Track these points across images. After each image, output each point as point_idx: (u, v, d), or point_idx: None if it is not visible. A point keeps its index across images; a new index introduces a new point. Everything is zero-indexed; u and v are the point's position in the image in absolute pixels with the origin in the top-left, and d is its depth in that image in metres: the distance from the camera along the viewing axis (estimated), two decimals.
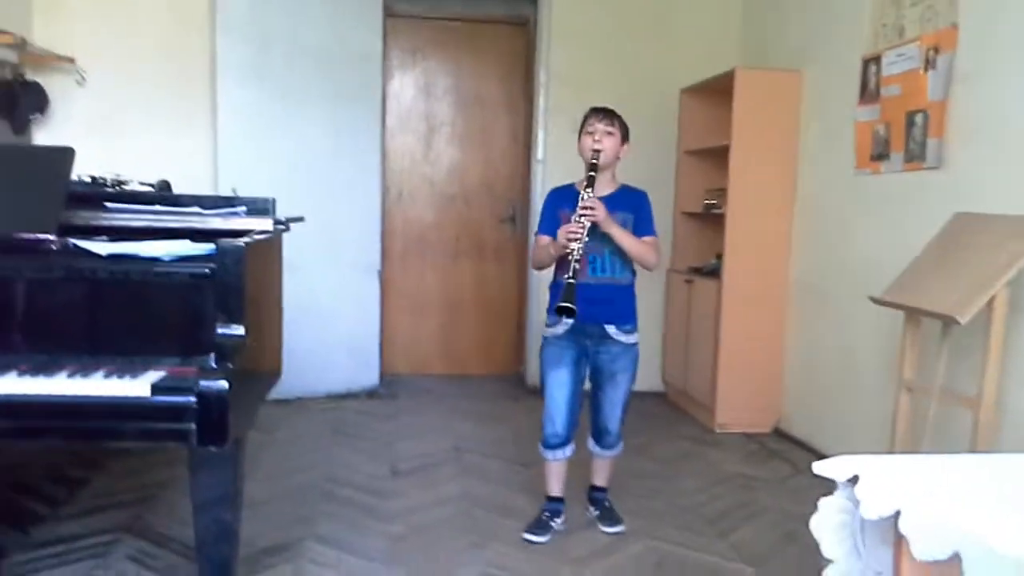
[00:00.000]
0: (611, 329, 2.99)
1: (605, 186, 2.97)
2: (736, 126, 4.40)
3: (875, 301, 3.02)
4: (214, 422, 2.00)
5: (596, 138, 2.93)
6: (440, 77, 5.65)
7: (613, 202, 2.93)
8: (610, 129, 2.96)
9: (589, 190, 2.85)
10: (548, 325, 3.06)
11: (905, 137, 3.51)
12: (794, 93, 4.46)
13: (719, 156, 4.63)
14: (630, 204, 3.01)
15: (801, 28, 4.54)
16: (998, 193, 2.96)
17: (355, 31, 4.87)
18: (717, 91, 4.70)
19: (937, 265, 2.88)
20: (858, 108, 3.88)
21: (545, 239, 3.03)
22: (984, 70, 3.10)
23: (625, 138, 3.02)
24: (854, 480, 1.48)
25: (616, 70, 5.18)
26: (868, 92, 3.81)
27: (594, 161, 2.90)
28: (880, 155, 3.70)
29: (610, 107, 3.04)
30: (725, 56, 5.13)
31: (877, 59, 3.74)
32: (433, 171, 5.69)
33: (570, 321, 2.91)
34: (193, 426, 1.99)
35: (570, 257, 2.77)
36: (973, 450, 2.61)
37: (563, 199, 3.04)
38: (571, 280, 2.74)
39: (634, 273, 3.06)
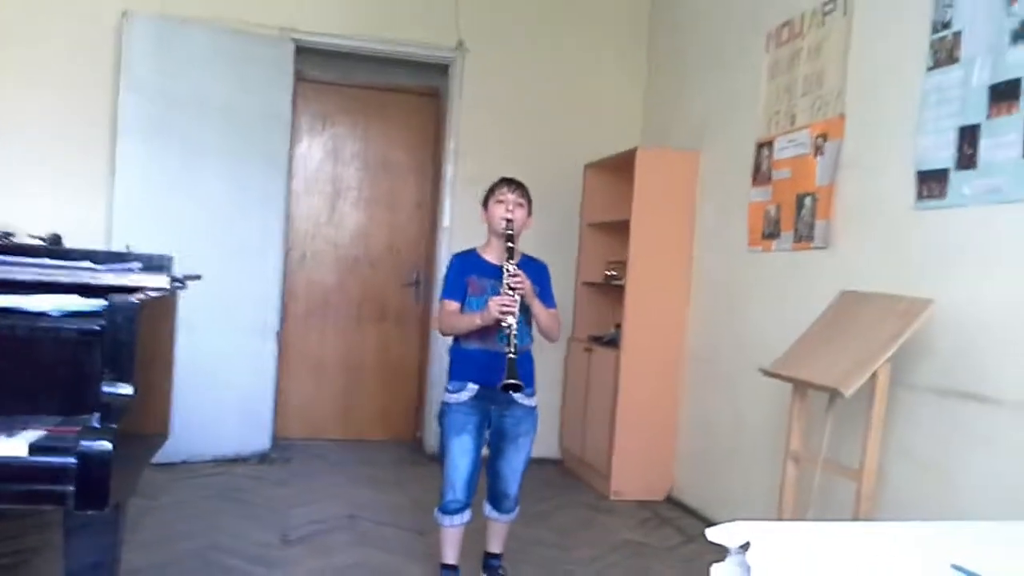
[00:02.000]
0: (516, 394, 3.00)
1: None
2: (636, 202, 4.54)
3: (765, 373, 3.12)
4: (94, 484, 1.90)
5: (509, 208, 2.98)
6: (348, 142, 5.67)
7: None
8: (521, 201, 3.02)
9: (512, 262, 2.89)
10: (451, 391, 3.04)
11: (795, 218, 3.69)
12: (692, 172, 4.64)
13: (620, 229, 4.76)
14: (534, 275, 3.03)
15: (700, 111, 4.75)
16: (880, 273, 3.12)
17: (265, 93, 4.86)
18: (619, 167, 4.86)
19: (824, 340, 3.00)
20: (752, 189, 4.06)
21: (454, 305, 3.03)
22: (867, 157, 3.30)
23: (530, 211, 3.08)
24: (746, 546, 1.51)
25: (523, 143, 5.30)
26: (761, 174, 4.00)
27: (509, 232, 2.94)
28: (771, 234, 3.87)
29: (518, 179, 3.09)
30: (628, 133, 5.32)
31: (770, 144, 3.94)
32: (338, 234, 5.67)
33: (475, 387, 2.96)
34: (71, 488, 1.89)
35: (508, 332, 2.79)
36: (855, 518, 2.69)
37: (469, 265, 3.07)
38: (512, 355, 2.76)
39: (532, 339, 3.09)
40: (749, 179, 4.09)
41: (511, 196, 3.01)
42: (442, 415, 3.08)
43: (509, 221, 2.96)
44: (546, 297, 3.07)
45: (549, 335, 3.08)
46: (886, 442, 2.86)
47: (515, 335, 2.79)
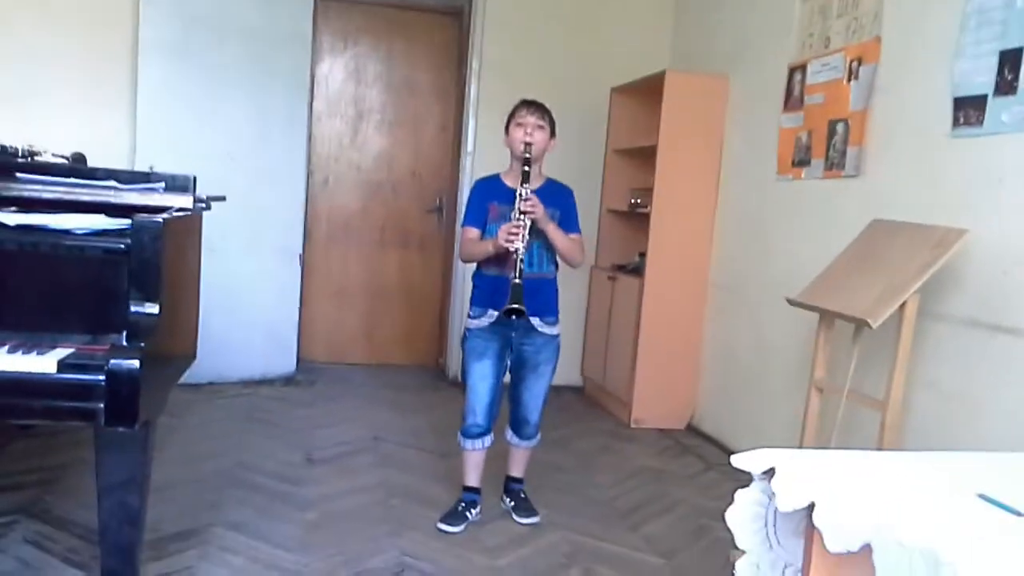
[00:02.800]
0: (536, 321, 3.00)
1: (533, 180, 2.93)
2: (664, 127, 4.46)
3: (791, 302, 3.09)
4: (123, 402, 1.92)
5: (528, 131, 2.93)
6: (370, 63, 5.58)
7: (540, 197, 2.91)
8: (541, 123, 2.96)
9: (526, 186, 2.84)
10: (472, 317, 3.06)
11: (826, 145, 3.61)
12: (721, 98, 4.54)
13: (646, 156, 4.69)
14: (557, 200, 3.01)
15: (730, 34, 4.62)
16: (912, 202, 3.06)
17: (285, 12, 4.77)
18: (646, 92, 4.76)
19: (852, 270, 2.96)
20: (782, 115, 3.97)
21: (474, 232, 3.02)
22: (903, 82, 3.20)
23: (553, 132, 3.02)
24: (770, 473, 1.51)
25: (548, 65, 5.19)
26: (792, 99, 3.90)
27: (527, 156, 2.90)
28: (801, 161, 3.80)
29: (539, 100, 3.03)
30: (656, 57, 5.20)
31: (803, 68, 3.83)
32: (360, 157, 5.62)
33: (495, 313, 2.95)
34: (101, 405, 1.92)
35: (515, 257, 2.78)
36: (879, 448, 2.69)
37: (491, 191, 3.03)
38: (518, 281, 2.76)
39: (557, 266, 3.08)
40: (780, 104, 3.99)
41: (531, 119, 2.95)
42: (464, 340, 3.11)
43: (528, 145, 2.91)
44: (569, 222, 3.04)
45: (569, 260, 3.05)
46: (912, 373, 2.84)
47: (522, 260, 2.78)
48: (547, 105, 3.04)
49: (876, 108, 3.33)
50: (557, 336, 3.10)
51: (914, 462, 1.62)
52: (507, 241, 2.79)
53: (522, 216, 2.81)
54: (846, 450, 1.70)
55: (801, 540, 1.53)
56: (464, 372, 3.12)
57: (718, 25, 4.78)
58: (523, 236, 2.79)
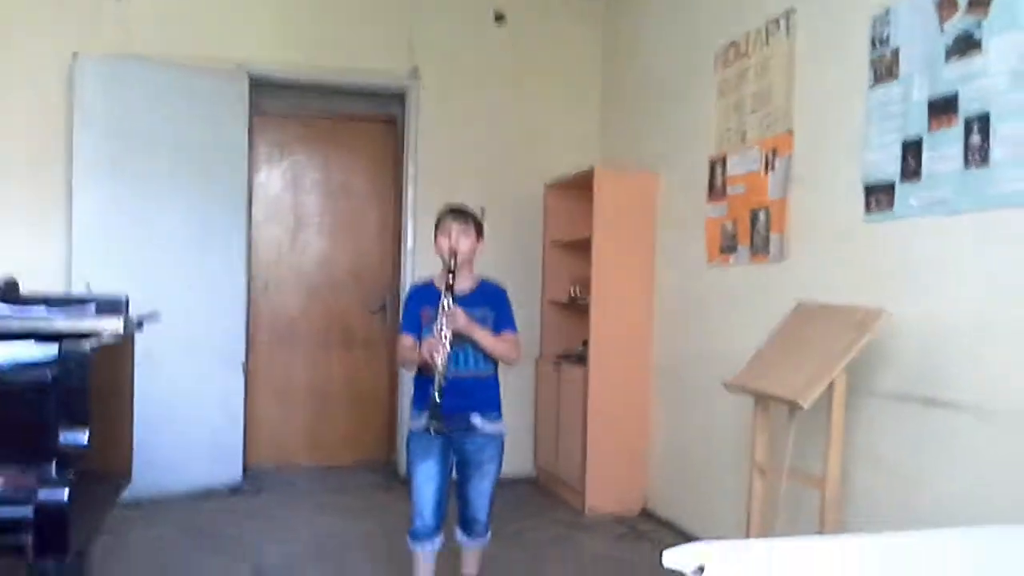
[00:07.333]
0: (476, 419, 3.02)
1: (464, 281, 3.00)
2: (597, 221, 4.58)
3: (726, 386, 3.16)
4: (52, 534, 1.90)
5: (453, 239, 2.98)
6: (308, 170, 5.66)
7: (473, 299, 2.98)
8: (466, 230, 3.02)
9: (449, 297, 2.88)
10: (413, 418, 3.06)
11: (750, 232, 3.74)
12: (650, 190, 4.68)
13: (584, 247, 4.79)
14: (490, 300, 3.06)
15: (654, 130, 4.80)
16: (834, 284, 3.18)
17: (220, 126, 4.84)
18: (579, 186, 4.89)
19: (782, 352, 3.05)
20: (707, 205, 4.11)
21: (409, 339, 3.03)
22: (817, 171, 3.36)
23: (480, 235, 3.08)
24: (701, 570, 1.53)
25: (483, 164, 5.32)
26: (716, 190, 4.05)
27: (452, 266, 2.93)
28: (729, 248, 3.93)
29: (463, 207, 3.10)
30: (587, 151, 5.37)
31: (723, 160, 3.99)
32: (301, 261, 5.65)
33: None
34: (30, 539, 1.88)
35: (435, 373, 2.81)
36: (822, 527, 2.73)
37: (424, 297, 3.06)
38: (437, 400, 2.79)
39: (495, 364, 3.10)
40: (705, 196, 4.14)
41: (455, 226, 3.01)
42: (407, 443, 3.10)
43: (454, 253, 2.95)
44: (503, 321, 3.07)
45: (502, 360, 3.07)
46: (850, 449, 2.90)
47: (444, 377, 2.81)
48: (481, 204, 3.11)
49: (794, 196, 3.48)
50: (501, 434, 3.10)
51: (845, 547, 1.65)
52: (429, 357, 2.83)
53: (443, 329, 2.83)
54: (785, 536, 1.73)
55: None
56: (409, 475, 3.10)
57: (642, 119, 4.96)
58: (443, 351, 2.82)
